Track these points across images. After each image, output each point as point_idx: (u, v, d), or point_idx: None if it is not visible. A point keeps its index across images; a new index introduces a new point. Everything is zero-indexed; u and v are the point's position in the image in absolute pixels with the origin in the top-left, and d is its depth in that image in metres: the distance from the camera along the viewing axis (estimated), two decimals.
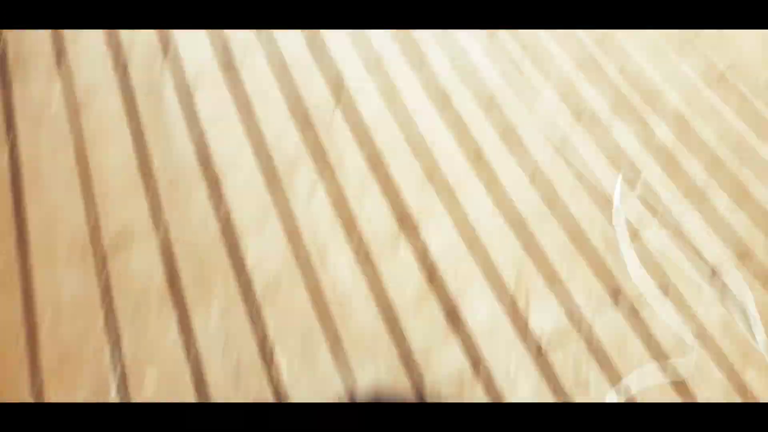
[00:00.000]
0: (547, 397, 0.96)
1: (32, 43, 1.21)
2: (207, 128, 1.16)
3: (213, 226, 1.03)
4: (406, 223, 1.10)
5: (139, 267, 0.97)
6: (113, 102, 1.16)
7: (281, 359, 0.93)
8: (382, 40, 1.36)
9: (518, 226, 1.13)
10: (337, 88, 1.26)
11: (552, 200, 1.18)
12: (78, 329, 0.91)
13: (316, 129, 1.19)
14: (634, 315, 1.06)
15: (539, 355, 0.99)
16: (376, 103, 1.26)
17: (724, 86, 1.43)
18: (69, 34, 1.24)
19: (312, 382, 0.92)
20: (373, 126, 1.22)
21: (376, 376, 0.94)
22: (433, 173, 1.17)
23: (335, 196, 1.11)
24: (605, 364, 1.00)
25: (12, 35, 1.21)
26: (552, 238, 1.12)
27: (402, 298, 1.01)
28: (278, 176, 1.12)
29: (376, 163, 1.17)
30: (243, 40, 1.30)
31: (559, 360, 0.99)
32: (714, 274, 1.13)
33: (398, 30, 1.38)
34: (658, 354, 1.02)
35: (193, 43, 1.27)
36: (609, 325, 1.04)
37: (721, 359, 1.03)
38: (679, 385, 1.00)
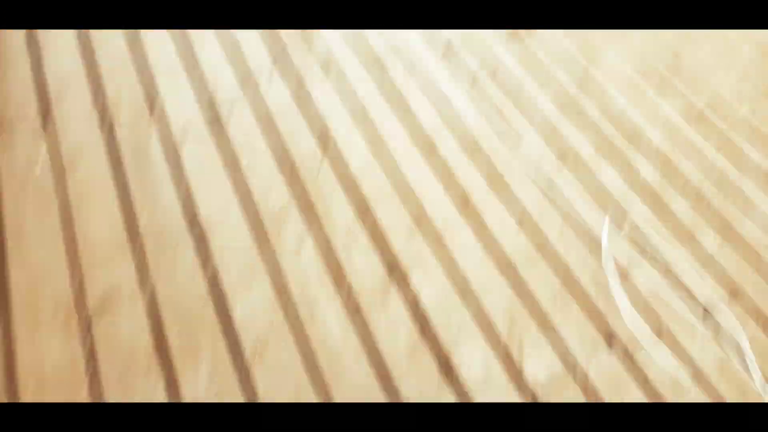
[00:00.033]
0: None
1: (17, 105, 1.22)
2: (194, 184, 1.16)
3: (200, 285, 1.02)
4: (395, 272, 1.09)
5: (125, 330, 0.96)
6: (100, 162, 1.16)
7: None
8: (367, 89, 1.38)
9: (508, 271, 1.13)
10: (324, 138, 1.27)
11: (541, 244, 1.18)
12: (62, 399, 0.89)
13: (303, 180, 1.20)
14: (628, 358, 1.05)
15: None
16: (362, 152, 1.27)
17: (704, 124, 1.45)
18: (54, 94, 1.25)
19: None
20: (360, 175, 1.23)
21: None
22: (421, 220, 1.18)
23: (324, 248, 1.11)
24: None
25: None
26: (543, 283, 1.12)
27: (394, 351, 1.00)
28: (265, 230, 1.11)
29: (364, 213, 1.17)
30: (229, 93, 1.32)
31: None
32: (707, 313, 1.12)
33: (383, 80, 1.40)
34: (655, 397, 1.01)
35: (179, 99, 1.28)
36: (604, 369, 1.03)
37: (718, 401, 1.02)
38: None
